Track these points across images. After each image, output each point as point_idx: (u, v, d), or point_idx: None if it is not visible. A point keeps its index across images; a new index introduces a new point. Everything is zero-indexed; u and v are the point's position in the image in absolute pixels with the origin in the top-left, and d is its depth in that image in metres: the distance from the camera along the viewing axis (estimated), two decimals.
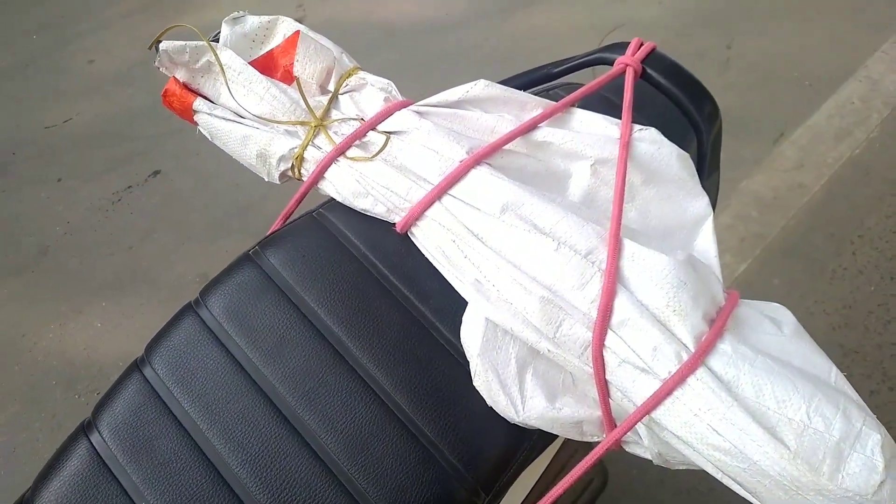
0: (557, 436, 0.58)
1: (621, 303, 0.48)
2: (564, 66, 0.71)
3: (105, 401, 0.57)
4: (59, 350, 1.52)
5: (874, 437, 0.43)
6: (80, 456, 0.55)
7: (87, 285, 1.62)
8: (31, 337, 1.54)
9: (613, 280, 0.49)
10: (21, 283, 1.65)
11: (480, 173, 0.55)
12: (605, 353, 0.49)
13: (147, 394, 0.56)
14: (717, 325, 0.48)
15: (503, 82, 0.69)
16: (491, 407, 0.53)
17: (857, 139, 1.69)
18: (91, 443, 0.55)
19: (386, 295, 0.58)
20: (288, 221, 0.64)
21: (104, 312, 1.57)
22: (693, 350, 0.47)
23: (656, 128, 0.62)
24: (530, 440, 0.54)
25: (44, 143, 1.98)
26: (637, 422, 0.47)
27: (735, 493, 0.46)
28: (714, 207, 0.70)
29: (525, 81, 0.72)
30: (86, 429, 0.57)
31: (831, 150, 1.67)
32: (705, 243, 0.57)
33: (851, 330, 1.36)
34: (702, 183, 0.63)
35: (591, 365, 0.49)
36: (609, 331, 0.48)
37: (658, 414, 0.47)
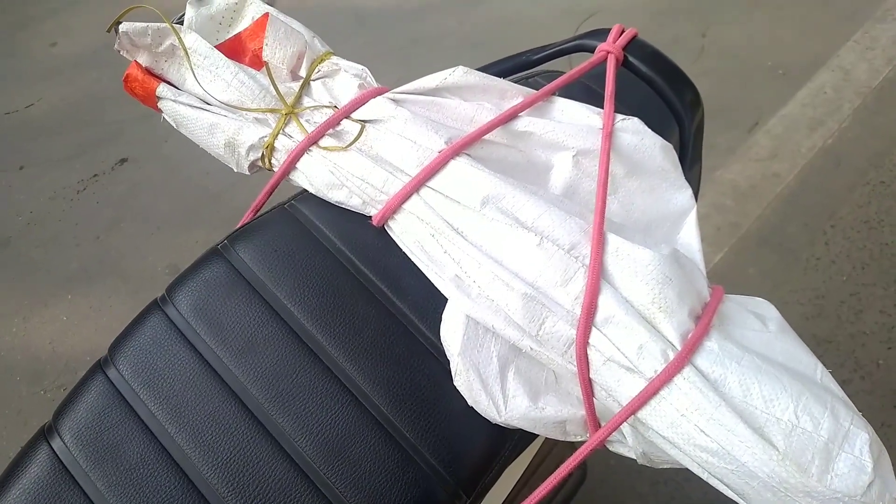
0: (536, 435, 0.56)
1: (606, 299, 0.47)
2: (544, 53, 0.69)
3: (67, 404, 0.54)
4: (23, 344, 1.47)
5: (862, 436, 0.42)
6: (41, 462, 0.52)
7: (52, 277, 1.57)
8: None
9: (597, 276, 0.47)
10: None
11: (460, 164, 0.53)
12: (589, 352, 0.47)
13: (111, 396, 0.54)
14: (704, 323, 0.47)
15: (482, 69, 0.67)
16: (472, 407, 0.51)
17: (829, 129, 1.71)
18: (52, 448, 0.52)
19: (362, 291, 0.56)
20: (258, 214, 0.61)
21: (70, 305, 1.52)
22: (679, 348, 0.45)
23: (637, 117, 0.60)
24: (512, 440, 0.53)
25: (4, 129, 1.90)
26: (622, 422, 0.46)
27: (714, 487, 0.45)
28: (697, 197, 0.69)
29: (504, 68, 0.70)
30: (46, 433, 0.54)
31: (805, 139, 1.68)
32: (689, 236, 0.56)
33: (824, 319, 1.38)
34: (685, 174, 0.62)
35: (575, 363, 0.48)
36: (593, 328, 0.47)
37: (644, 414, 0.45)
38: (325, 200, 0.59)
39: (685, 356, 0.45)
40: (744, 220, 1.55)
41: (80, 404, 0.54)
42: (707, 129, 1.69)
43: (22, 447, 0.54)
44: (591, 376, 0.48)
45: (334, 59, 0.61)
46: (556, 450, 0.69)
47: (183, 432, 0.51)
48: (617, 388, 0.47)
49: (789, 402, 0.43)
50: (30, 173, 1.79)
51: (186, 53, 0.58)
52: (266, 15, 0.61)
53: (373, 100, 0.57)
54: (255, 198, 0.63)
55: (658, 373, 0.45)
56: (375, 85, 0.60)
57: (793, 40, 1.90)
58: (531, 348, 0.49)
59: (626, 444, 0.50)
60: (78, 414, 0.53)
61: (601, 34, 0.66)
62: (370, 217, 0.57)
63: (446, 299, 0.53)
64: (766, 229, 1.53)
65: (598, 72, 0.64)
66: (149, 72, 0.61)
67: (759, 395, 0.43)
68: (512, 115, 0.57)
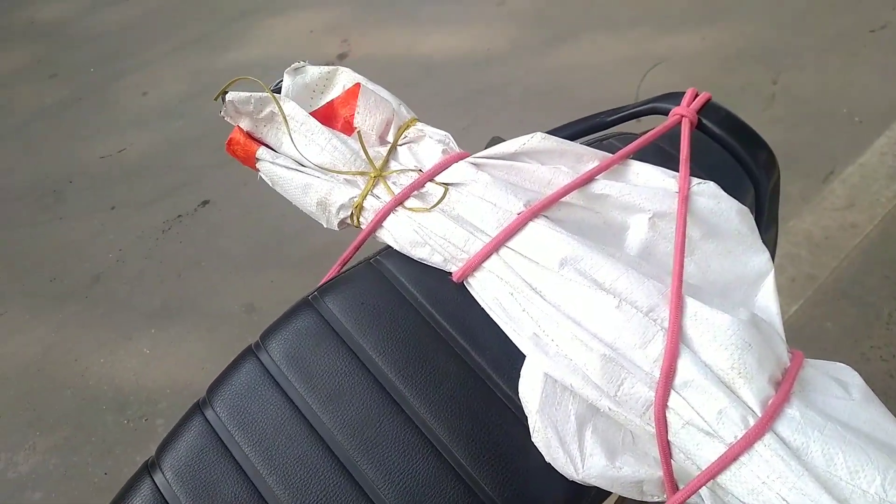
0: (609, 493, 0.57)
1: (685, 363, 0.48)
2: (618, 115, 0.71)
3: (168, 441, 0.59)
4: (109, 375, 1.56)
5: None
6: (144, 496, 0.56)
7: (137, 312, 1.66)
8: (83, 362, 1.58)
9: (676, 339, 0.48)
10: (73, 310, 1.70)
11: (538, 226, 0.56)
12: (668, 414, 0.48)
13: (209, 436, 0.57)
14: (784, 389, 0.47)
15: (555, 130, 0.70)
16: (549, 463, 0.53)
17: None
18: (154, 483, 0.56)
19: (443, 345, 0.58)
20: (345, 268, 0.65)
21: (152, 339, 1.61)
22: (760, 414, 0.46)
23: (713, 179, 0.62)
24: (588, 496, 0.54)
25: (98, 172, 2.05)
26: (701, 486, 0.46)
27: None
28: (773, 261, 0.69)
29: (578, 130, 0.72)
30: (150, 468, 0.58)
31: (884, 188, 1.63)
32: (766, 300, 0.56)
33: None
34: (761, 237, 0.62)
35: (654, 425, 0.49)
36: (672, 391, 0.48)
37: (723, 479, 0.46)
38: (408, 257, 0.62)
39: (766, 423, 0.45)
40: (820, 272, 1.50)
41: (180, 442, 0.58)
42: (780, 178, 1.65)
43: (127, 480, 0.58)
44: (669, 438, 0.48)
45: (419, 125, 0.65)
46: None
47: (274, 474, 0.55)
48: (696, 451, 0.47)
49: (876, 475, 0.42)
50: (120, 214, 1.91)
51: (285, 119, 0.63)
52: (357, 85, 0.65)
53: (455, 164, 0.61)
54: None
55: (738, 438, 0.45)
56: (458, 150, 0.64)
57: (870, 86, 1.85)
58: (609, 408, 0.50)
59: None
60: (179, 452, 0.57)
61: (675, 97, 0.68)
62: (451, 273, 0.60)
63: (524, 356, 0.55)
64: (843, 282, 1.48)
65: (671, 134, 0.66)
66: (250, 136, 0.66)
67: (844, 465, 0.43)
68: (589, 178, 0.59)
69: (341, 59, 2.26)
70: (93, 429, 1.46)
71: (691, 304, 0.50)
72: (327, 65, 0.68)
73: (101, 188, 2.00)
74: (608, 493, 0.57)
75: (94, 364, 1.58)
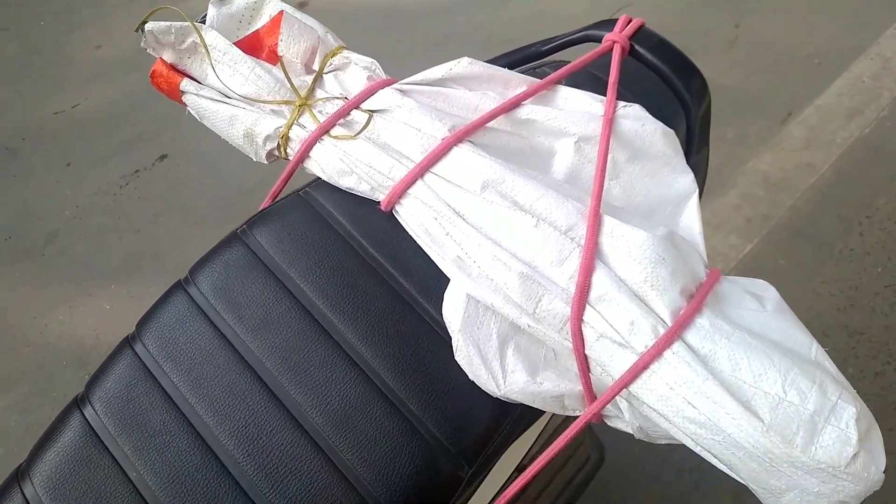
0: (541, 412, 0.58)
1: (599, 278, 0.48)
2: (552, 45, 0.71)
3: (97, 376, 0.59)
4: (69, 332, 1.55)
5: (849, 410, 0.43)
6: (74, 428, 0.56)
7: (97, 268, 1.64)
8: (42, 319, 1.57)
9: (592, 256, 0.49)
10: (31, 267, 1.67)
11: (462, 151, 0.55)
12: (583, 328, 0.49)
13: (138, 369, 0.58)
14: (696, 301, 0.48)
15: (491, 61, 0.69)
16: (473, 381, 0.53)
17: (867, 118, 1.67)
18: (84, 416, 0.57)
19: (371, 272, 0.58)
20: (275, 200, 0.65)
21: (113, 295, 1.59)
22: (670, 324, 0.47)
23: (646, 105, 0.61)
24: (513, 415, 0.55)
25: (52, 128, 1.99)
26: (615, 395, 0.48)
27: (739, 481, 0.46)
28: (704, 183, 0.70)
29: (513, 60, 0.71)
30: (79, 403, 0.58)
31: (840, 129, 1.65)
32: (690, 220, 0.57)
33: (857, 311, 1.35)
34: (690, 160, 0.62)
35: (571, 340, 0.49)
36: (587, 306, 0.48)
37: (635, 387, 0.47)
38: (336, 187, 0.62)
39: (675, 332, 0.46)
40: (775, 212, 1.53)
41: (109, 376, 0.58)
42: (739, 119, 1.66)
43: (57, 415, 0.58)
44: (586, 352, 0.49)
45: (346, 52, 0.64)
46: (557, 435, 0.70)
47: (202, 402, 0.55)
48: (610, 363, 0.48)
49: (777, 377, 0.44)
50: (76, 170, 1.87)
51: (207, 49, 0.61)
52: (281, 12, 0.64)
53: (381, 90, 0.60)
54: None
55: (648, 348, 0.46)
56: (384, 77, 0.63)
57: (830, 29, 1.85)
58: (529, 325, 0.51)
59: (624, 419, 0.52)
60: (107, 385, 0.57)
61: (609, 24, 0.67)
62: (379, 202, 0.60)
63: (449, 280, 0.55)
64: (798, 220, 1.50)
65: (606, 61, 0.65)
66: (173, 68, 0.64)
67: (748, 369, 0.44)
68: (515, 104, 0.58)
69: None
70: (54, 385, 1.46)
71: (608, 222, 0.50)
72: None
73: (55, 145, 1.95)
74: (536, 414, 0.58)
75: (54, 321, 1.57)
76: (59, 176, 1.86)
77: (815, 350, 0.48)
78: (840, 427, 0.42)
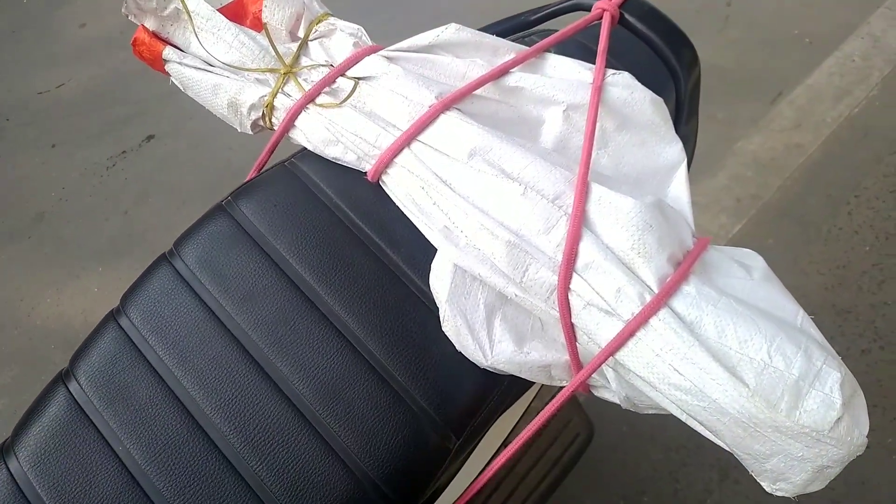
0: (530, 384, 0.58)
1: (586, 246, 0.48)
2: (542, 14, 0.70)
3: (82, 350, 0.58)
4: (57, 314, 1.53)
5: (834, 375, 0.43)
6: (58, 403, 0.56)
7: (84, 250, 1.63)
8: (30, 301, 1.56)
9: (579, 223, 0.48)
10: (18, 249, 1.65)
11: (449, 119, 0.55)
12: (570, 297, 0.48)
13: (123, 342, 0.57)
14: (683, 268, 0.48)
15: (481, 30, 0.68)
16: (461, 352, 0.53)
17: (856, 98, 1.67)
18: (69, 390, 0.56)
19: (357, 243, 0.58)
20: (261, 172, 0.64)
21: (101, 277, 1.58)
22: (656, 291, 0.46)
23: (636, 75, 0.61)
24: (501, 385, 0.55)
25: (37, 108, 1.97)
26: (601, 363, 0.47)
27: (724, 448, 0.46)
28: (692, 154, 0.70)
29: (503, 29, 0.70)
30: (63, 377, 0.57)
31: (830, 109, 1.65)
32: (678, 189, 0.57)
33: (845, 290, 1.36)
34: (679, 129, 0.62)
35: (557, 308, 0.49)
36: (574, 274, 0.48)
37: (622, 355, 0.47)
38: (323, 158, 0.61)
39: (661, 299, 0.46)
40: (764, 192, 1.53)
41: (93, 350, 0.57)
42: (729, 99, 1.66)
43: (42, 390, 0.58)
44: (572, 321, 0.49)
45: (331, 19, 0.63)
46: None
47: (188, 375, 0.54)
48: (597, 331, 0.48)
49: (763, 343, 0.44)
50: (62, 151, 1.85)
51: (189, 16, 0.60)
52: None
53: (367, 57, 0.59)
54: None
55: (635, 315, 0.46)
56: (370, 43, 0.62)
57: (821, 8, 1.85)
58: (516, 295, 0.51)
59: (610, 389, 0.52)
60: (92, 359, 0.57)
61: None
62: (365, 173, 0.59)
63: (436, 250, 0.55)
64: (786, 200, 1.51)
65: (595, 30, 0.65)
66: (156, 35, 0.63)
67: (734, 336, 0.44)
68: (503, 71, 0.58)
69: None
70: (42, 367, 1.45)
71: (596, 190, 0.50)
72: None
73: (40, 125, 1.92)
74: (524, 386, 0.58)
75: (41, 304, 1.55)
76: (45, 157, 1.83)
77: (801, 318, 0.48)
78: (824, 392, 0.42)
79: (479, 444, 0.59)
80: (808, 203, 1.49)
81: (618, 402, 0.53)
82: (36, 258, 1.63)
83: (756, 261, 0.52)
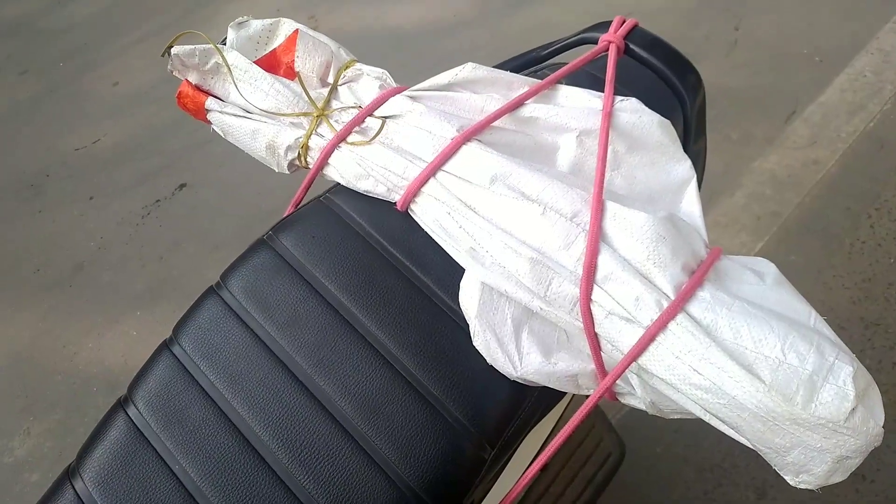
0: (560, 395, 0.61)
1: (605, 259, 0.51)
2: (551, 49, 0.74)
3: (138, 377, 0.62)
4: (98, 359, 1.59)
5: (846, 369, 0.45)
6: (118, 427, 0.60)
7: (122, 296, 1.69)
8: (72, 347, 1.61)
9: (596, 238, 0.52)
10: (59, 298, 1.72)
11: (471, 149, 0.59)
12: (592, 307, 0.52)
13: (176, 369, 0.61)
14: (697, 275, 0.51)
15: (494, 67, 0.73)
16: (491, 366, 0.56)
17: (870, 112, 1.68)
18: (128, 414, 0.60)
19: (390, 269, 0.62)
20: (298, 207, 0.69)
21: (139, 321, 1.64)
22: (673, 298, 0.49)
23: (643, 101, 0.65)
24: (531, 396, 0.57)
25: (74, 164, 2.06)
26: (625, 368, 0.50)
27: (759, 466, 0.48)
28: (703, 172, 0.73)
29: (515, 65, 0.75)
30: (122, 403, 0.62)
31: (845, 124, 1.67)
32: (690, 204, 0.60)
33: (872, 302, 1.36)
34: (688, 149, 0.66)
35: (581, 319, 0.52)
36: (595, 286, 0.51)
37: (644, 360, 0.50)
38: (355, 191, 0.65)
39: (678, 304, 0.49)
40: (784, 209, 1.54)
41: (149, 377, 0.61)
42: (743, 120, 1.69)
43: (103, 416, 0.62)
44: (596, 330, 0.52)
45: (358, 65, 0.68)
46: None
47: (238, 397, 0.58)
48: (619, 338, 0.51)
49: (777, 342, 0.46)
50: (99, 203, 1.93)
51: (229, 68, 0.66)
52: (296, 31, 0.68)
53: (392, 98, 0.64)
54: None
55: (654, 321, 0.49)
56: (394, 85, 0.67)
57: (829, 26, 1.88)
58: (541, 308, 0.54)
59: (636, 395, 0.54)
60: (148, 385, 0.61)
61: (604, 26, 0.71)
62: (395, 203, 0.63)
63: (464, 270, 0.59)
64: (807, 216, 1.52)
65: (604, 61, 0.69)
66: (198, 88, 0.69)
67: (749, 336, 0.47)
68: (518, 103, 0.62)
69: None
70: (85, 411, 1.50)
71: (611, 207, 0.54)
72: None
73: (78, 179, 2.02)
74: (556, 397, 0.61)
75: (83, 349, 1.61)
76: (83, 209, 1.92)
77: (813, 318, 0.50)
78: (838, 384, 0.44)
79: (514, 456, 0.62)
80: (829, 217, 1.50)
81: (644, 407, 0.55)
82: (76, 306, 1.70)
83: (768, 267, 0.55)
